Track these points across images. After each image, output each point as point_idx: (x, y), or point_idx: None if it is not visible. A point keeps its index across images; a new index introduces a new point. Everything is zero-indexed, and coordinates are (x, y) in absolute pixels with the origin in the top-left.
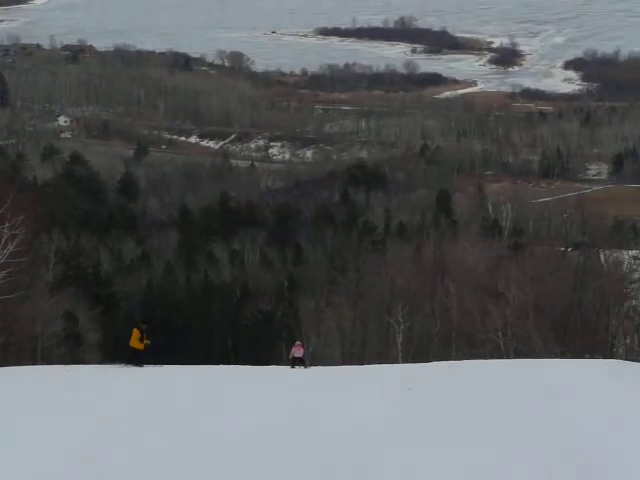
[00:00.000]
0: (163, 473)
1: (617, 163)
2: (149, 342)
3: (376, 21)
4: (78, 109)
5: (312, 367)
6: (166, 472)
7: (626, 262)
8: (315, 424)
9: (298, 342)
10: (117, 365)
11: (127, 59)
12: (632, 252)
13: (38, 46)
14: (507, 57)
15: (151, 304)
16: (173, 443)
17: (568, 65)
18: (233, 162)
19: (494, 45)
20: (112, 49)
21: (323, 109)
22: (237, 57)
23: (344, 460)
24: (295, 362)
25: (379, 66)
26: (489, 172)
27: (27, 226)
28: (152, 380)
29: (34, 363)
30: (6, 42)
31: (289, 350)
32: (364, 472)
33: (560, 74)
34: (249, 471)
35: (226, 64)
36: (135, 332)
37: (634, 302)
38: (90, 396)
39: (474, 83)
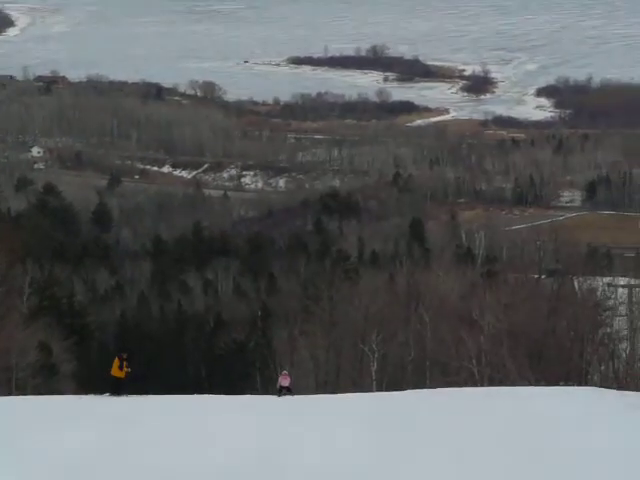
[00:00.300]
0: None
1: (590, 190)
2: (129, 370)
3: (348, 50)
4: (51, 140)
5: (296, 396)
6: None
7: (600, 289)
8: (290, 457)
9: (284, 371)
10: (100, 395)
11: (100, 89)
12: (606, 279)
13: (11, 77)
14: (479, 85)
15: (125, 334)
16: (149, 475)
17: (540, 92)
18: (206, 192)
19: (466, 73)
20: (85, 79)
21: (295, 138)
22: (209, 87)
23: None
24: (282, 391)
25: (351, 95)
26: (462, 200)
27: (2, 257)
28: (125, 410)
29: (9, 394)
30: None
31: (265, 380)
32: None
33: (532, 101)
34: None
35: (198, 94)
36: (116, 361)
37: (608, 329)
38: (62, 427)
39: (446, 111)
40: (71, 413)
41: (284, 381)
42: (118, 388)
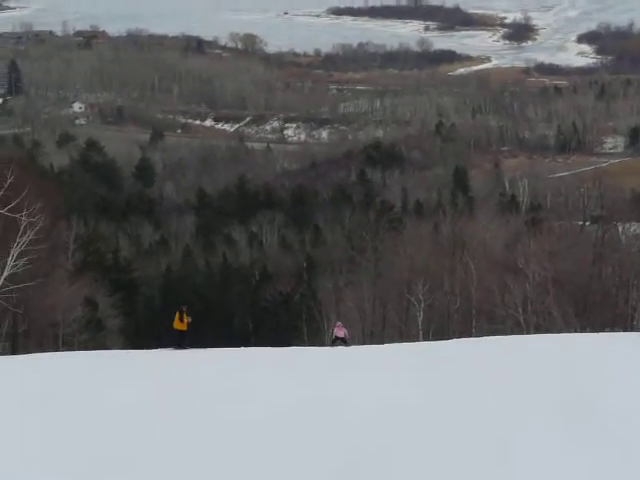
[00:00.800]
0: (183, 459)
1: (633, 136)
2: (190, 319)
3: None
4: (92, 95)
5: (352, 346)
6: (187, 458)
7: None
8: (339, 406)
9: (339, 323)
10: (167, 349)
11: (140, 44)
12: None
13: (51, 33)
14: (520, 32)
15: (170, 288)
16: (196, 429)
17: (582, 38)
18: (248, 145)
19: (507, 20)
20: (125, 34)
21: (337, 89)
22: (250, 39)
23: (370, 441)
24: (336, 341)
25: (392, 44)
26: (505, 148)
27: (46, 214)
28: (174, 364)
29: (56, 350)
30: (18, 29)
31: (311, 332)
32: (390, 453)
33: (574, 48)
34: (272, 456)
35: (239, 46)
36: (177, 315)
37: None
38: (112, 381)
39: (488, 59)
40: (119, 368)
41: (339, 332)
42: (181, 340)
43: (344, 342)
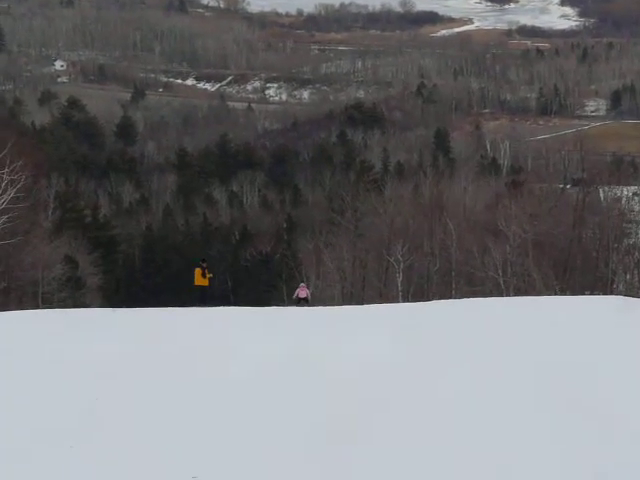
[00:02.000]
0: (164, 418)
1: (615, 99)
2: (212, 275)
3: None
4: (74, 53)
5: (313, 307)
6: (167, 417)
7: (625, 198)
8: (320, 365)
9: (302, 283)
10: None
11: (122, 2)
12: (631, 188)
13: None
14: None
15: (150, 247)
16: (175, 388)
17: (564, 1)
18: (230, 104)
19: None
20: None
21: (319, 49)
22: None
23: (351, 401)
24: (299, 302)
25: (375, 5)
26: (486, 110)
27: (27, 171)
28: (149, 323)
29: (36, 307)
30: None
31: (291, 291)
32: (371, 412)
33: (557, 10)
34: (253, 415)
35: (221, 5)
36: (197, 271)
37: (633, 238)
38: (93, 339)
39: (470, 21)
40: (98, 325)
41: (302, 292)
42: (204, 296)
43: (306, 302)
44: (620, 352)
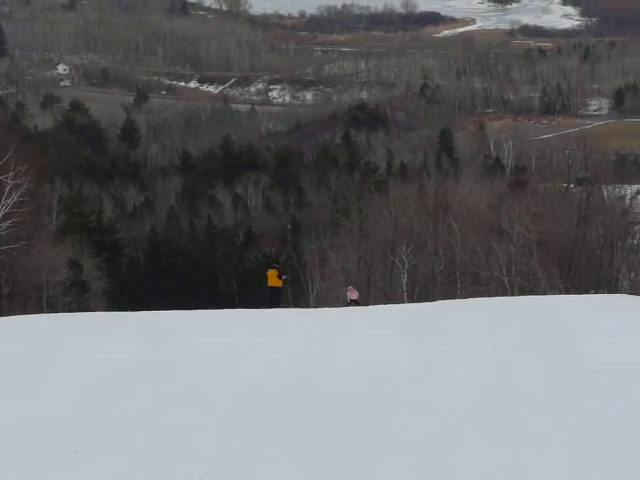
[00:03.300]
0: (173, 420)
1: (617, 98)
2: (286, 277)
3: None
4: (77, 57)
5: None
6: (176, 419)
7: (629, 197)
8: (326, 366)
9: (350, 286)
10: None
11: (124, 5)
12: (634, 187)
13: None
14: None
15: (155, 250)
16: (184, 390)
17: (566, 0)
18: (233, 106)
19: None
20: None
21: (322, 51)
22: (234, 0)
23: (356, 400)
24: (350, 304)
25: (377, 6)
26: (490, 110)
27: (30, 175)
28: (156, 326)
29: (40, 312)
30: None
31: (297, 292)
32: (376, 412)
33: (559, 10)
34: (261, 415)
35: (224, 8)
36: (273, 272)
37: (637, 236)
38: (98, 343)
39: (472, 21)
40: (106, 329)
41: (352, 295)
42: (279, 297)
43: (357, 304)
44: (624, 351)
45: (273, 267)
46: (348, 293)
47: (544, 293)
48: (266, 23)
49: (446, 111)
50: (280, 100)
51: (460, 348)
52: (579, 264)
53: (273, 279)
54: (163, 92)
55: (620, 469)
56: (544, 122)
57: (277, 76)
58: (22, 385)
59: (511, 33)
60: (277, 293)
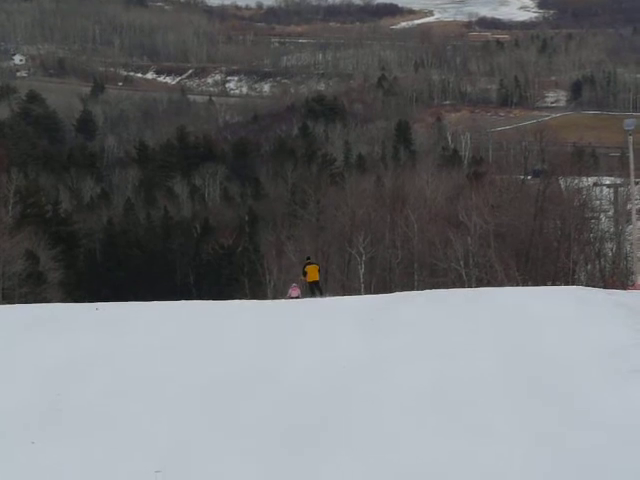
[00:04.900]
0: (129, 412)
1: (575, 90)
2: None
3: None
4: (33, 47)
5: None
6: (132, 411)
7: (586, 189)
8: (282, 358)
9: (294, 284)
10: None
11: None
12: (591, 179)
13: None
14: None
15: (112, 242)
16: (139, 382)
17: None
18: (190, 97)
19: None
20: None
21: (279, 42)
22: None
23: (314, 393)
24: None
25: None
26: (447, 102)
27: None
28: (113, 317)
29: None
30: None
31: (254, 285)
32: (333, 405)
33: (516, 2)
34: (217, 407)
35: None
36: (314, 267)
37: (594, 229)
38: (54, 334)
39: (430, 13)
40: (63, 321)
41: (294, 292)
42: (320, 290)
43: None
44: (581, 342)
45: (310, 263)
46: (290, 291)
47: (501, 285)
48: (224, 14)
49: (404, 103)
50: (237, 91)
51: (417, 340)
52: (536, 256)
53: (314, 273)
54: (120, 83)
55: (576, 459)
56: (501, 114)
57: (234, 67)
58: None
59: (468, 25)
60: (320, 287)
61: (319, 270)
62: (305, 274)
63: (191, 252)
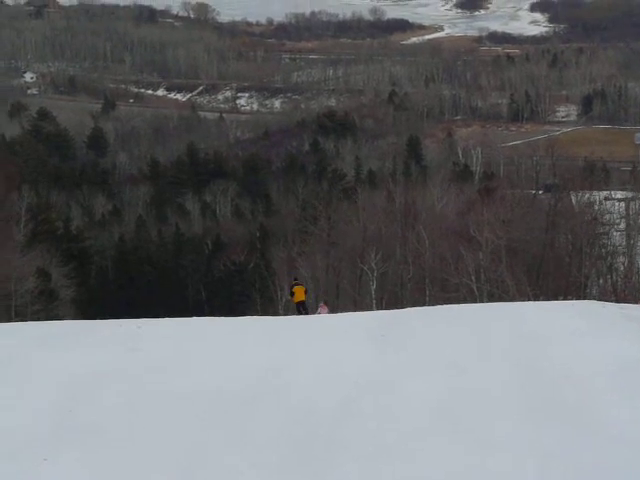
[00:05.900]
0: (142, 428)
1: (586, 104)
2: (306, 288)
3: None
4: (44, 65)
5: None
6: (145, 427)
7: (597, 203)
8: (294, 373)
9: (322, 302)
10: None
11: (92, 13)
12: (603, 193)
13: (1, 2)
14: (473, 1)
15: (123, 258)
16: (153, 398)
17: (534, 7)
18: (201, 114)
19: None
20: (76, 3)
21: (290, 58)
22: (202, 8)
23: (325, 407)
24: None
25: (345, 13)
26: (458, 117)
27: None
28: (126, 335)
29: (9, 320)
30: None
31: (265, 301)
32: (345, 419)
33: (527, 16)
34: (231, 423)
35: (191, 15)
36: (300, 288)
37: (606, 243)
38: (68, 352)
39: (441, 28)
40: (75, 338)
41: (323, 310)
42: (307, 310)
43: None
44: (592, 357)
45: (297, 284)
46: (319, 309)
47: (513, 299)
48: (234, 30)
49: (414, 118)
50: (248, 108)
51: (428, 355)
52: (548, 270)
53: (300, 294)
54: (131, 100)
55: (589, 474)
56: (512, 129)
57: (245, 84)
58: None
59: (479, 40)
60: (305, 307)
61: (306, 291)
62: (292, 294)
63: (202, 268)
